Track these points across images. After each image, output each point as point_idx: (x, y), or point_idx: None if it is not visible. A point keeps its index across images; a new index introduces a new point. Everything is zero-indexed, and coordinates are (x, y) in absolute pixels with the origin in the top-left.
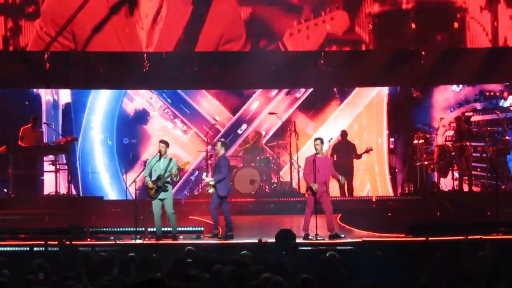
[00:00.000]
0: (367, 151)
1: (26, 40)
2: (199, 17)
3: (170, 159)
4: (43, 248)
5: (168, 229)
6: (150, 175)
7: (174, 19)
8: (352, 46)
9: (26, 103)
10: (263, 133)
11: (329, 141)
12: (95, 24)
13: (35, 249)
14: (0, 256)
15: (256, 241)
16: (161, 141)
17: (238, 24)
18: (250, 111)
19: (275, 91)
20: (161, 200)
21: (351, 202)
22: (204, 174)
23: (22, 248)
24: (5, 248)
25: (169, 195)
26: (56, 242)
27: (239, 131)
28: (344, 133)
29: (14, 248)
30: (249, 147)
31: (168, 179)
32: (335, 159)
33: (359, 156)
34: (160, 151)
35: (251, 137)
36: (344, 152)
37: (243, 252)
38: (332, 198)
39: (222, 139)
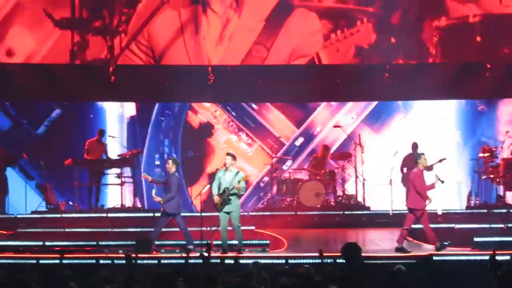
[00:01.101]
0: (440, 161)
1: (93, 54)
2: (271, 32)
3: (237, 172)
4: (110, 261)
5: (234, 242)
6: (218, 188)
7: (244, 34)
8: (418, 59)
9: (91, 116)
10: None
11: (395, 154)
12: (168, 39)
13: (101, 261)
14: (66, 269)
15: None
16: (227, 154)
17: (313, 40)
18: (315, 124)
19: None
20: (228, 213)
21: None
22: (154, 190)
23: (88, 261)
24: (72, 261)
25: (235, 208)
26: (123, 255)
27: (296, 143)
28: (415, 145)
29: (80, 261)
30: (317, 161)
31: (234, 191)
32: (405, 171)
33: (430, 168)
34: (225, 164)
35: (319, 150)
36: (415, 165)
37: (306, 265)
38: (397, 211)
39: (174, 156)
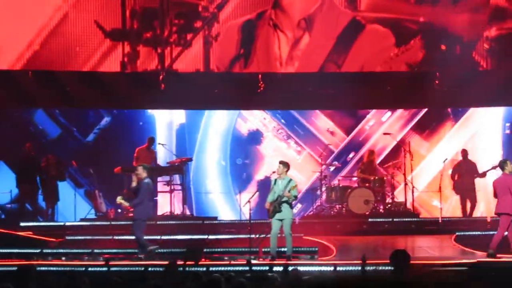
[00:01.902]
0: (494, 168)
1: (144, 65)
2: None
3: (290, 180)
4: (159, 269)
5: (283, 249)
6: (273, 195)
7: (314, 53)
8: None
9: (141, 123)
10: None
11: (444, 161)
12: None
13: (149, 269)
14: (115, 276)
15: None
16: (280, 162)
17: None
18: (365, 131)
19: (389, 112)
20: (280, 220)
21: (465, 222)
22: (120, 196)
23: (137, 268)
24: (121, 268)
25: (287, 216)
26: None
27: (350, 155)
28: (465, 152)
29: (129, 268)
30: (364, 167)
31: (285, 199)
32: (456, 178)
33: (483, 174)
34: (278, 171)
35: (365, 156)
36: (466, 172)
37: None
38: (447, 218)
39: (144, 164)
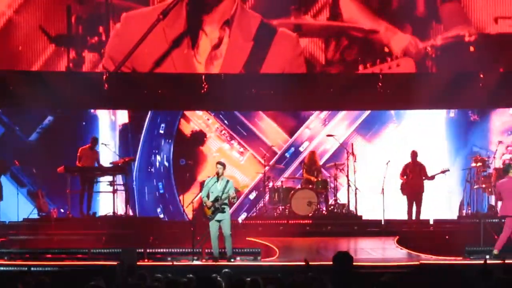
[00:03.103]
0: (443, 172)
1: (90, 69)
2: (260, 53)
3: (228, 181)
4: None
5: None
6: (208, 197)
7: (234, 54)
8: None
9: (84, 123)
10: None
11: (387, 163)
12: (155, 59)
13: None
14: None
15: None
16: (219, 163)
17: (299, 61)
18: (307, 133)
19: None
20: (219, 221)
21: (408, 224)
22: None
23: (79, 268)
24: (64, 269)
25: (226, 217)
26: (115, 263)
27: (298, 150)
28: (414, 154)
29: (72, 268)
30: (306, 168)
31: (226, 201)
32: (404, 179)
33: (432, 177)
34: (217, 173)
35: (307, 157)
36: (415, 173)
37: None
38: (390, 220)
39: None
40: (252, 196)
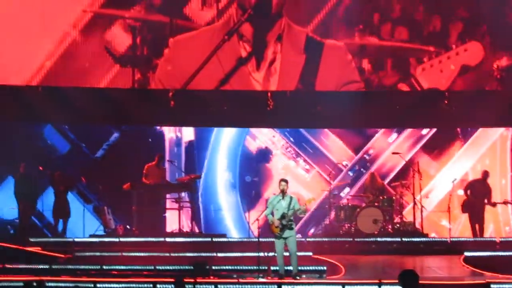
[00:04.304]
0: (505, 203)
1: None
2: (312, 66)
3: (291, 197)
4: (167, 286)
5: (290, 268)
6: (272, 214)
7: (288, 70)
8: (482, 81)
9: (150, 140)
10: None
11: (453, 181)
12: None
13: (158, 286)
14: None
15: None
16: (284, 180)
17: (350, 68)
18: (373, 151)
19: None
20: (285, 238)
21: (475, 243)
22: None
23: (146, 285)
24: (130, 285)
25: (293, 234)
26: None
27: (364, 168)
28: (485, 174)
29: (138, 285)
30: (368, 188)
31: (292, 218)
32: (468, 193)
33: (494, 204)
34: (282, 190)
35: (367, 179)
36: (480, 192)
37: None
38: (456, 239)
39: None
40: (317, 213)
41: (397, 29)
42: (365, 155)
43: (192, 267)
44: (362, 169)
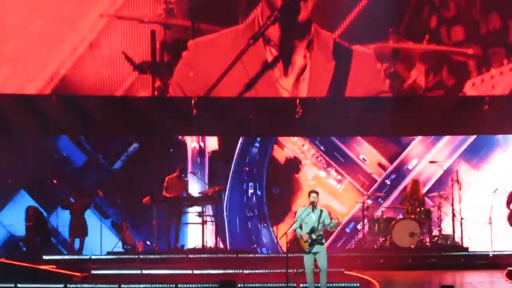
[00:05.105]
0: None
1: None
2: (342, 72)
3: (321, 210)
4: None
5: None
6: (301, 228)
7: (318, 76)
8: None
9: (171, 150)
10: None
11: (494, 191)
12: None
13: None
14: None
15: None
16: (314, 192)
17: (381, 76)
18: (409, 159)
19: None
20: (315, 253)
21: None
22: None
23: None
24: None
25: (323, 249)
26: None
27: (387, 182)
28: None
29: None
30: (407, 197)
31: (322, 232)
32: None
33: None
34: (312, 202)
35: (409, 186)
36: None
37: None
38: (498, 252)
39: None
40: (350, 226)
41: (444, 30)
42: (400, 165)
43: (218, 286)
44: (397, 179)
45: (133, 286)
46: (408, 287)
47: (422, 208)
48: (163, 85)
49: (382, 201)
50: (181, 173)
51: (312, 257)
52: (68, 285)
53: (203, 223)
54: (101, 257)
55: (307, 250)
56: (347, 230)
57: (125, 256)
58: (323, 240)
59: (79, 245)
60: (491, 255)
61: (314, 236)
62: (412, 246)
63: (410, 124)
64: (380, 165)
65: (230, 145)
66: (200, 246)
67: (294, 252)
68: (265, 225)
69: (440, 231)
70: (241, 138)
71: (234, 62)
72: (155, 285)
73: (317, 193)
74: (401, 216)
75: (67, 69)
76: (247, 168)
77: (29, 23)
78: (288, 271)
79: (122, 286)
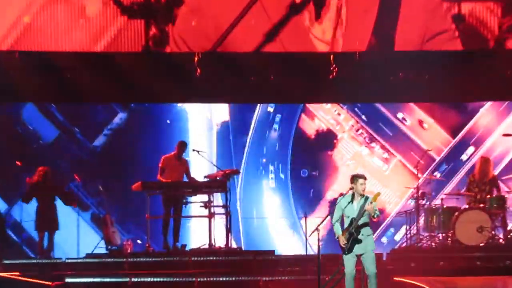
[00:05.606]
0: None
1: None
2: (390, 12)
3: (367, 197)
4: None
5: None
6: (342, 222)
7: (358, 21)
8: None
9: (168, 122)
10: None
11: None
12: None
13: None
14: None
15: None
16: (360, 176)
17: (440, 15)
18: (477, 132)
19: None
20: (360, 255)
21: None
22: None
23: None
24: None
25: (368, 248)
26: None
27: (464, 156)
28: None
29: None
30: (475, 180)
31: (364, 221)
32: None
33: None
34: (357, 190)
35: (477, 165)
36: None
37: None
38: None
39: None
40: (400, 219)
41: None
42: (465, 139)
43: None
44: (461, 158)
45: None
46: None
47: (494, 195)
48: (160, 34)
49: (442, 186)
50: (180, 151)
51: (354, 258)
52: None
53: (210, 216)
54: (78, 260)
55: (347, 250)
56: (396, 223)
57: (109, 260)
58: (368, 238)
59: (47, 243)
60: None
61: (352, 230)
62: (481, 244)
63: (478, 86)
64: (440, 139)
65: (244, 115)
66: (206, 246)
67: (330, 252)
68: (290, 218)
69: None
70: (258, 106)
71: (250, 5)
72: None
73: (365, 178)
74: (466, 206)
75: (33, 16)
76: (267, 145)
77: None
78: (321, 277)
79: None
